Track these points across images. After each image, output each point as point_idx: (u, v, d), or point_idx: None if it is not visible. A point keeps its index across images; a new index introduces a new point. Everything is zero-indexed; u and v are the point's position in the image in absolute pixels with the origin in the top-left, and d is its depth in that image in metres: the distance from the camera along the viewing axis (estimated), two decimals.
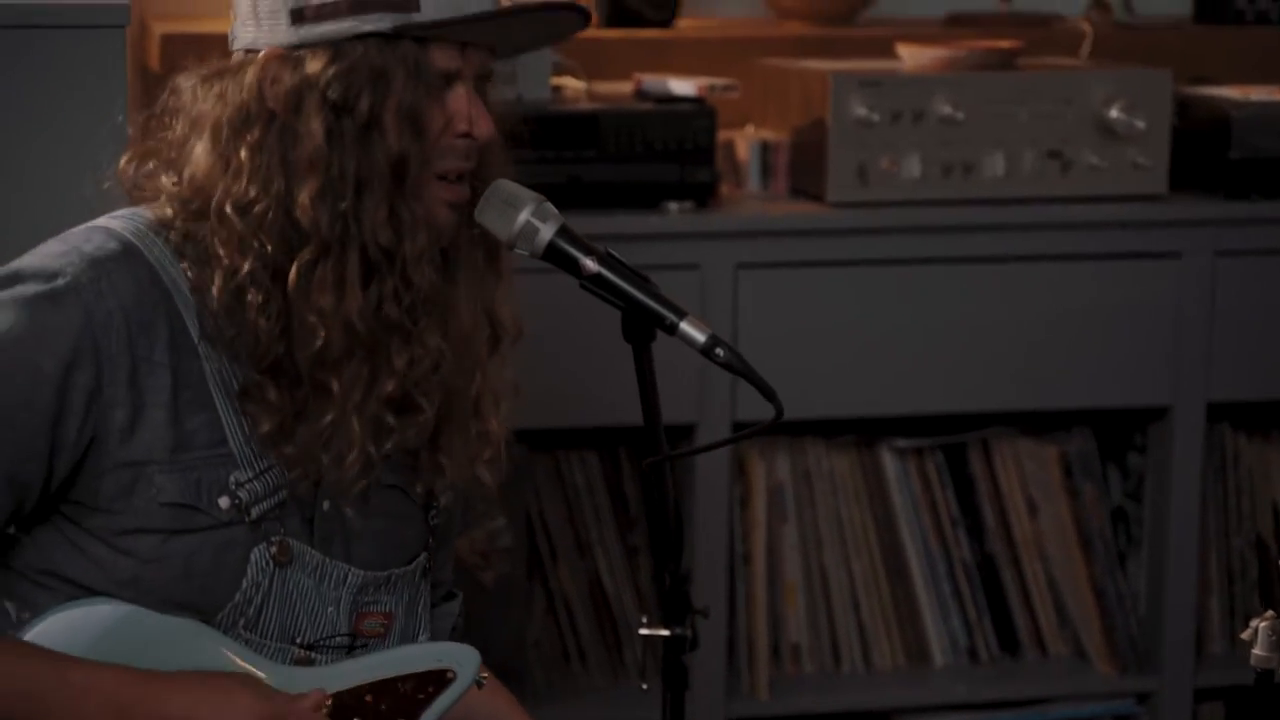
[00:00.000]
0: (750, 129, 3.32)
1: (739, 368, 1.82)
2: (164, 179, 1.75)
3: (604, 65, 3.36)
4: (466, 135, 1.74)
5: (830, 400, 3.14)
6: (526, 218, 1.80)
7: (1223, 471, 3.36)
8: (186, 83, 1.76)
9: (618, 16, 3.52)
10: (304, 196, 1.68)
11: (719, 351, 1.81)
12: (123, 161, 1.78)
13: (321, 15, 1.69)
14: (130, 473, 1.70)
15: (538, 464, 3.17)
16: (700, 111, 3.04)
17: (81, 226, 1.76)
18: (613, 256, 1.83)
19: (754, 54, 3.40)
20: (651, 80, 3.13)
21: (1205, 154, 3.22)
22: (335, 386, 1.71)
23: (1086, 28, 3.63)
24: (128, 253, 1.71)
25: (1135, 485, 3.35)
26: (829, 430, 3.26)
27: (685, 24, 3.62)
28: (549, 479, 3.18)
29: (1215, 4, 3.78)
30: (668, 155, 3.02)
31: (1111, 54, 3.56)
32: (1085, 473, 3.33)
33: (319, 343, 1.70)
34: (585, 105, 3.06)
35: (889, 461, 3.29)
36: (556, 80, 3.19)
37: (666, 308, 1.81)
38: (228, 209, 1.70)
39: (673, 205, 3.04)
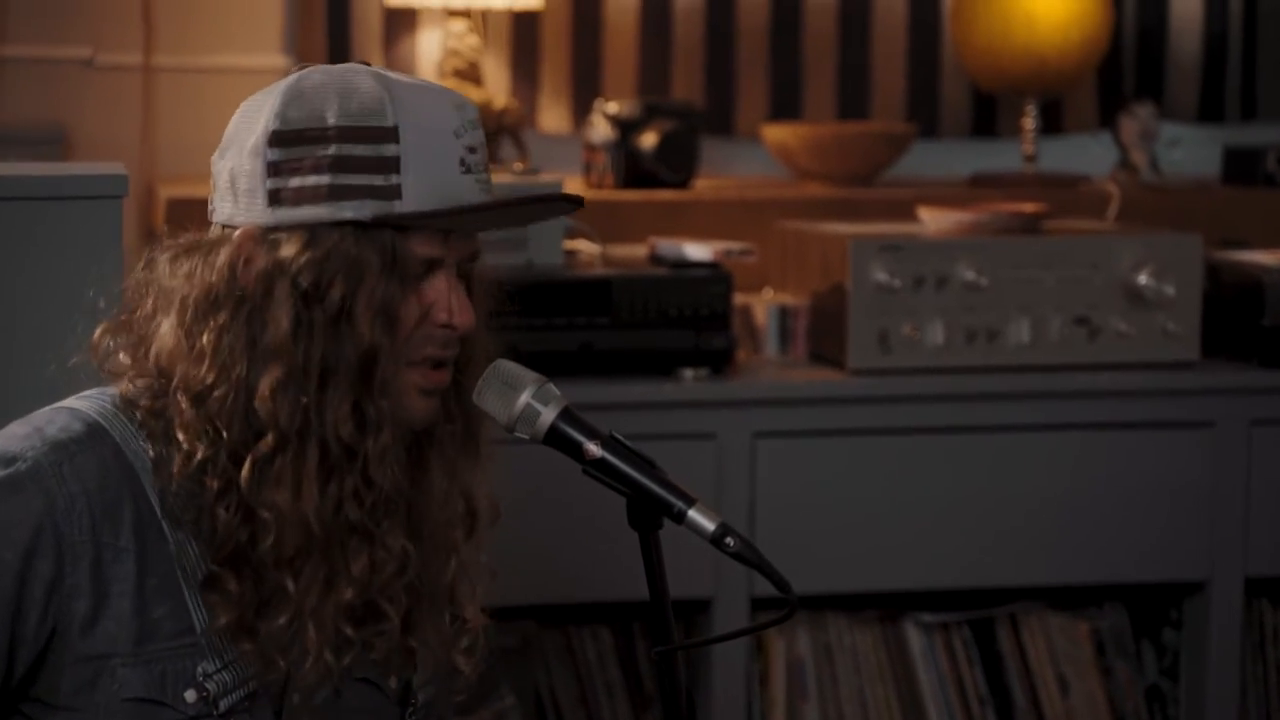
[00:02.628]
0: (769, 293, 3.25)
1: (751, 558, 1.72)
2: (128, 358, 1.67)
3: (620, 227, 3.30)
4: (446, 325, 1.65)
5: (852, 574, 3.03)
6: (527, 400, 1.72)
7: (1262, 649, 3.24)
8: (160, 256, 1.68)
9: (634, 178, 3.46)
10: (265, 386, 1.61)
11: (729, 541, 1.71)
12: (97, 334, 1.70)
13: (300, 199, 1.61)
14: (92, 667, 1.61)
15: (548, 640, 3.06)
16: (716, 276, 2.96)
17: (48, 408, 1.69)
18: (617, 440, 1.74)
19: (772, 215, 3.34)
20: (666, 244, 3.06)
21: (1237, 320, 3.13)
22: (291, 587, 1.63)
23: (1113, 189, 3.57)
24: (92, 434, 1.64)
25: (1171, 663, 3.22)
26: (851, 604, 3.14)
27: (703, 184, 3.56)
28: (560, 655, 3.07)
29: (1244, 165, 3.72)
30: (682, 321, 2.94)
31: (1139, 215, 3.49)
32: (1118, 650, 3.21)
33: (271, 539, 1.61)
34: (598, 271, 2.98)
35: (914, 637, 3.17)
36: (570, 244, 3.12)
37: (674, 494, 1.72)
38: (184, 395, 1.62)
39: (688, 373, 2.96)
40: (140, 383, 1.66)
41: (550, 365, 2.87)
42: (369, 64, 1.67)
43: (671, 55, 3.81)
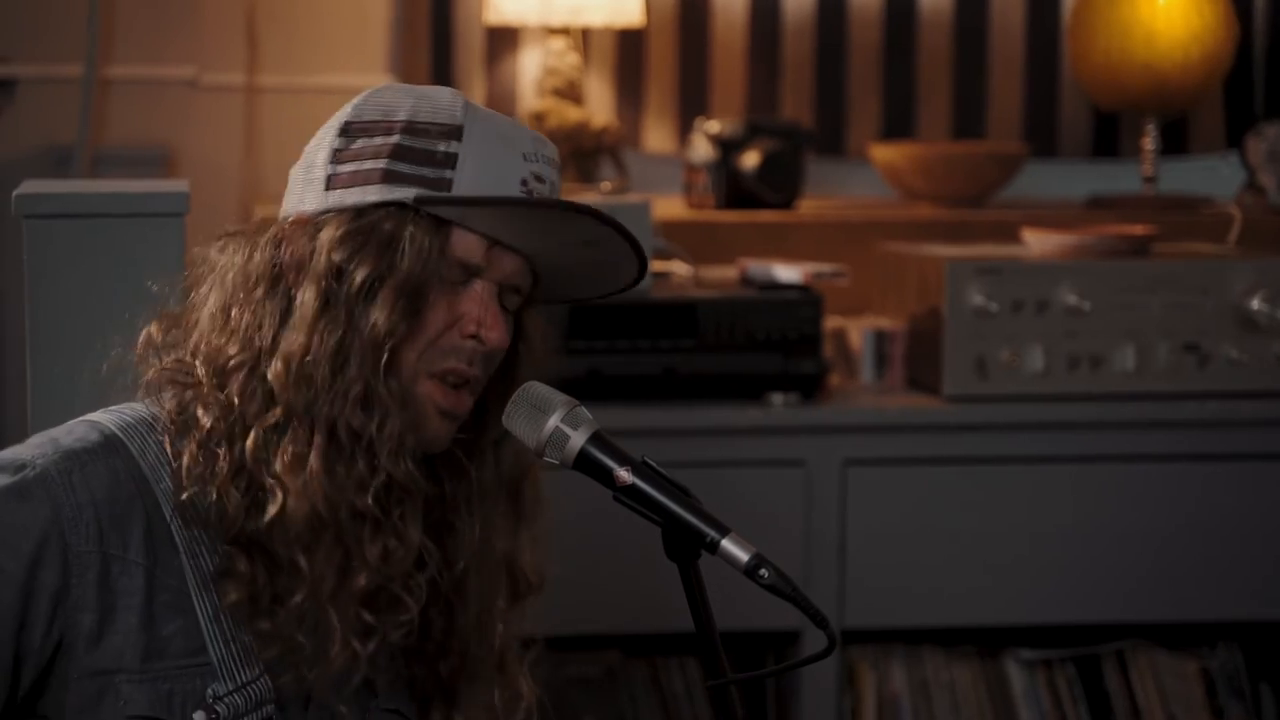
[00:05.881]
0: (874, 317, 3.16)
1: (786, 591, 1.65)
2: (169, 346, 1.65)
3: (720, 249, 3.23)
4: (474, 337, 1.60)
5: (949, 607, 2.94)
6: (556, 424, 1.66)
7: None
8: (212, 246, 1.67)
9: (735, 199, 3.39)
10: (280, 359, 1.58)
11: (763, 573, 1.64)
12: (151, 328, 1.67)
13: (353, 182, 1.60)
14: (97, 683, 1.57)
15: (633, 671, 3.00)
16: (805, 299, 2.88)
17: (72, 420, 1.66)
18: (650, 466, 1.68)
19: (875, 237, 3.25)
20: (756, 266, 2.98)
21: None
22: (304, 565, 1.59)
23: (1236, 212, 3.43)
24: (108, 445, 1.61)
25: None
26: (948, 639, 3.04)
27: (808, 205, 3.48)
28: (645, 687, 3.01)
29: None
30: (770, 345, 2.87)
31: (1264, 240, 3.36)
32: (1231, 691, 3.08)
33: (275, 509, 1.58)
34: (682, 293, 2.92)
35: (1015, 674, 3.06)
36: (663, 265, 3.06)
37: (707, 523, 1.65)
38: (206, 367, 1.61)
39: (776, 397, 2.88)
40: (172, 379, 1.63)
41: (634, 389, 2.85)
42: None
43: (780, 74, 3.73)
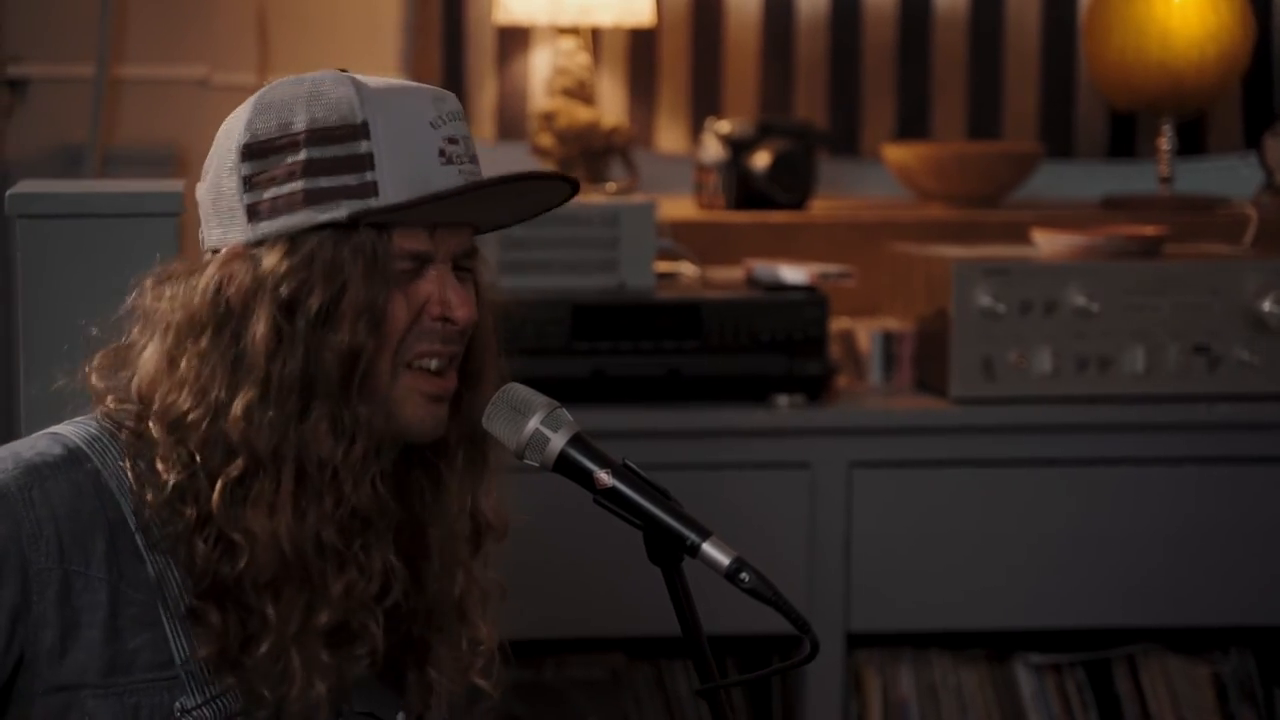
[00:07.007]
0: (883, 319, 3.13)
1: (767, 595, 1.64)
2: (115, 386, 1.63)
3: (730, 249, 3.21)
4: (443, 319, 1.59)
5: (956, 611, 2.92)
6: (536, 425, 1.64)
7: None
8: (147, 283, 1.63)
9: (747, 199, 3.37)
10: (238, 407, 1.55)
11: (744, 577, 1.64)
12: (93, 362, 1.65)
13: (276, 210, 1.56)
14: (61, 698, 1.56)
15: (638, 673, 2.98)
16: (811, 300, 2.86)
17: (36, 433, 1.64)
18: (630, 469, 1.66)
19: (887, 238, 3.23)
20: (762, 267, 2.96)
21: None
22: (271, 613, 1.56)
23: (1252, 212, 3.40)
24: (70, 459, 1.59)
25: None
26: (956, 643, 3.02)
27: (820, 206, 3.46)
28: (649, 689, 2.99)
29: None
30: (775, 346, 2.84)
31: None
32: (1242, 696, 3.04)
33: (244, 563, 1.55)
34: (687, 294, 2.90)
35: (1024, 678, 3.04)
36: (670, 266, 3.04)
37: (688, 527, 1.64)
38: (159, 422, 1.57)
39: (781, 399, 2.86)
40: (125, 409, 1.61)
41: (638, 390, 2.84)
42: (346, 70, 1.62)
43: (794, 73, 3.71)
